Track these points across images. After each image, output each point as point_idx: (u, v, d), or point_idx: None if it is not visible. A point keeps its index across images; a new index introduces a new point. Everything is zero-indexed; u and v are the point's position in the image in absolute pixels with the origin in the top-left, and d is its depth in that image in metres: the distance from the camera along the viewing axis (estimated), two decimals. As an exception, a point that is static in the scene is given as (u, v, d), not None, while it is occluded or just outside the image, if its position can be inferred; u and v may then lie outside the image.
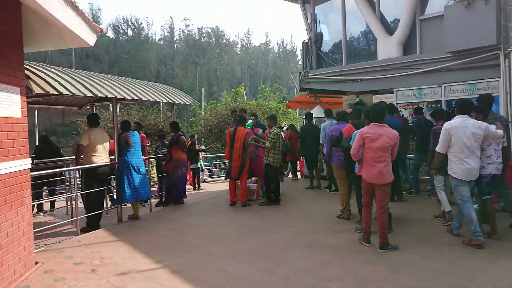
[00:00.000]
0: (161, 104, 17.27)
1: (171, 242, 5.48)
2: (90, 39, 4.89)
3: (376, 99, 10.16)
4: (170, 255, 4.88)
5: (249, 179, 8.33)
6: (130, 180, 6.74)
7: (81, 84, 5.76)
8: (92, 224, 6.50)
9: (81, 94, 5.49)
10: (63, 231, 6.66)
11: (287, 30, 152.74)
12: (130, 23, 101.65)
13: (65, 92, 5.25)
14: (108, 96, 6.02)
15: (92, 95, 5.69)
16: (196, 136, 13.47)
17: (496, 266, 4.23)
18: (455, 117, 5.21)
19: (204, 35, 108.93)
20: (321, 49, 12.13)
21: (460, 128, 4.98)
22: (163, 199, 8.40)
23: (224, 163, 15.09)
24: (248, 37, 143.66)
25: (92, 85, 5.97)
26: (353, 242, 5.19)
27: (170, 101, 7.73)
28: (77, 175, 6.65)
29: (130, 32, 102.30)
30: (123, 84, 6.87)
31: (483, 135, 4.95)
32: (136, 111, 16.68)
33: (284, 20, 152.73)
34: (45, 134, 9.79)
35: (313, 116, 11.06)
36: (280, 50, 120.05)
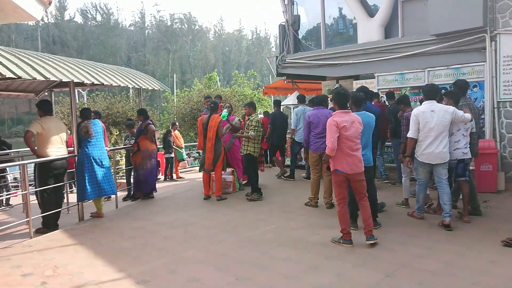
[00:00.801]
0: (130, 90, 16.35)
1: (138, 245, 4.87)
2: (36, 12, 4.17)
3: (356, 84, 9.72)
4: (135, 262, 4.28)
5: (224, 171, 7.76)
6: (91, 174, 6.04)
7: (30, 66, 5.00)
8: (48, 225, 5.80)
9: (28, 78, 4.73)
10: (15, 232, 5.91)
11: (261, 17, 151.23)
12: (99, 8, 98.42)
13: (8, 74, 4.50)
14: (63, 80, 5.28)
15: (42, 78, 4.95)
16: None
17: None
18: (423, 103, 5.34)
19: (176, 21, 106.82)
20: (299, 32, 11.58)
21: (427, 113, 5.09)
22: (131, 193, 7.73)
23: (199, 153, 14.37)
24: (221, 24, 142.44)
25: (43, 67, 5.21)
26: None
27: (136, 86, 7.02)
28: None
29: (99, 17, 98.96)
30: (82, 67, 6.12)
31: (450, 119, 5.06)
32: (103, 98, 15.68)
33: (258, 5, 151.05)
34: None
35: (291, 103, 10.59)
36: (254, 36, 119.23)
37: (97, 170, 6.09)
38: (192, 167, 13.91)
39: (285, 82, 11.86)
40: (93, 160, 6.06)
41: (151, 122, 7.54)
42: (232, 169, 8.05)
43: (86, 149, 6.07)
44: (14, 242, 5.19)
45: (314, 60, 10.72)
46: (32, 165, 6.01)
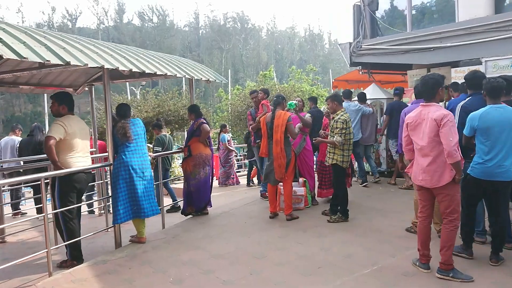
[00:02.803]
0: (183, 86, 15.21)
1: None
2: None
3: (456, 72, 7.76)
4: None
5: (297, 182, 6.18)
6: (130, 189, 4.69)
7: (45, 46, 3.71)
8: (77, 256, 4.53)
9: (38, 60, 3.42)
10: (34, 262, 4.71)
11: (314, 13, 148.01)
12: (155, 10, 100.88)
13: (8, 54, 3.20)
14: (89, 65, 3.94)
15: (58, 61, 3.62)
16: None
17: None
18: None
19: (229, 20, 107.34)
20: (377, 13, 9.72)
21: None
22: (182, 208, 6.31)
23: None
24: (274, 21, 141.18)
25: (64, 48, 3.91)
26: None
27: (187, 76, 5.59)
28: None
29: (155, 19, 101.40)
30: (118, 51, 4.79)
31: None
32: (154, 95, 14.62)
33: (312, 2, 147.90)
34: (38, 124, 7.86)
35: (368, 97, 8.77)
36: (307, 33, 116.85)
37: (137, 183, 4.73)
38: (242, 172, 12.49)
39: (360, 72, 10.02)
40: (132, 170, 4.70)
41: (205, 121, 6.10)
42: (304, 179, 6.44)
43: (124, 156, 4.72)
44: (27, 282, 3.94)
45: (398, 45, 8.84)
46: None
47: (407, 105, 8.23)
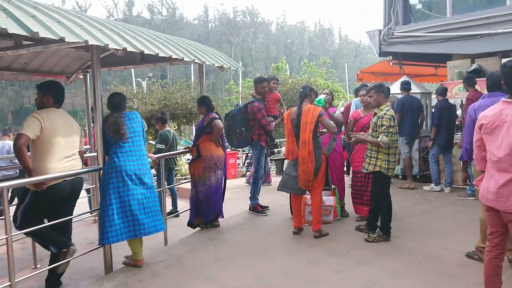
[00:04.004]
0: (191, 77, 14.19)
1: None
2: None
3: (508, 63, 6.67)
4: None
5: (330, 191, 5.18)
6: (123, 200, 3.71)
7: (5, 11, 2.72)
8: (57, 283, 3.58)
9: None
10: None
11: (324, 8, 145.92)
12: (164, 3, 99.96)
13: None
14: (67, 40, 2.94)
15: (14, 30, 2.64)
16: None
17: None
18: None
19: (239, 13, 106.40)
20: (411, -4, 8.64)
21: None
22: (189, 219, 5.31)
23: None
24: (284, 16, 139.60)
25: (34, 16, 2.92)
26: None
27: (196, 60, 4.56)
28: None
29: (164, 12, 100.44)
30: (110, 26, 3.78)
31: None
32: (160, 87, 13.61)
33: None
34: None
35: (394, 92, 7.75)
36: (317, 28, 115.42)
37: (132, 193, 3.74)
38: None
39: (391, 63, 8.93)
40: (126, 177, 3.71)
41: (217, 116, 5.09)
42: (333, 186, 5.42)
43: (116, 159, 3.73)
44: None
45: (436, 32, 7.74)
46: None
47: (419, 101, 7.24)
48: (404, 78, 8.69)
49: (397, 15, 8.39)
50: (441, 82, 7.63)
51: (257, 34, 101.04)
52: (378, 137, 4.42)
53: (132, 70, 34.35)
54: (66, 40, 2.92)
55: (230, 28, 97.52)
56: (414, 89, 8.04)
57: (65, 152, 3.56)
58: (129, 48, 3.57)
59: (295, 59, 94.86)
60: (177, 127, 12.70)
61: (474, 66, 7.18)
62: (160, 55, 3.90)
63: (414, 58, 9.13)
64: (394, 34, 8.27)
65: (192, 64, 5.44)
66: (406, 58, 9.03)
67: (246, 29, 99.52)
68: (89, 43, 3.14)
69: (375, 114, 4.53)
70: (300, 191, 4.79)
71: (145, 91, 14.72)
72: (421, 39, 7.93)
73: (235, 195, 7.64)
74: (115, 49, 3.39)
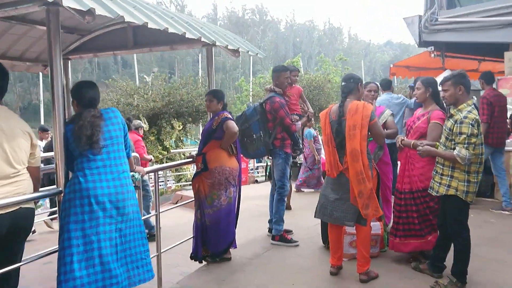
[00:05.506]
0: (199, 71, 12.92)
1: None
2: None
3: None
4: None
5: (377, 216, 3.89)
6: (89, 240, 2.48)
7: None
8: None
9: None
10: None
11: (333, 7, 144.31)
12: (173, 0, 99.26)
13: None
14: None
15: None
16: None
17: None
18: None
19: (248, 11, 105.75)
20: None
21: None
22: (192, 251, 4.06)
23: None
24: (293, 14, 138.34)
25: None
26: None
27: (204, 38, 3.29)
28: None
29: (173, 9, 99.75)
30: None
31: None
32: (164, 81, 12.36)
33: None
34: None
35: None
36: (326, 27, 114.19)
37: (104, 229, 2.51)
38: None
39: (432, 55, 7.62)
40: (95, 205, 2.48)
41: (230, 116, 3.85)
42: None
43: (82, 179, 2.50)
44: None
45: (491, 17, 6.44)
46: None
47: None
48: (447, 71, 7.41)
49: (440, -1, 7.09)
50: (498, 78, 6.33)
51: (266, 32, 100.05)
52: (454, 148, 3.15)
53: (136, 65, 33.31)
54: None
55: (239, 26, 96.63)
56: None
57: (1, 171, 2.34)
58: (103, 13, 2.34)
59: (304, 57, 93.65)
60: (182, 126, 11.47)
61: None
62: (150, 26, 2.66)
63: (458, 50, 7.83)
64: (439, 20, 6.96)
65: (200, 54, 4.26)
66: (450, 50, 7.72)
67: (255, 27, 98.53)
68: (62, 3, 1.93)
69: (451, 116, 3.26)
70: (342, 220, 3.52)
71: (145, 86, 13.53)
72: (472, 25, 6.62)
73: (251, 210, 6.34)
74: (74, 9, 2.16)
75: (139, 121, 6.87)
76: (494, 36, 6.49)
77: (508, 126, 6.42)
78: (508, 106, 9.55)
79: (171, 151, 10.98)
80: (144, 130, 8.05)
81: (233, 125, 3.79)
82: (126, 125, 2.81)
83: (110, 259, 2.51)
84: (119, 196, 2.58)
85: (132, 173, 2.94)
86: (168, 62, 65.75)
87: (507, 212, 5.54)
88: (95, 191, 2.50)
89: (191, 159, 4.14)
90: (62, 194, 2.57)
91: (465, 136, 3.06)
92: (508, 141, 6.57)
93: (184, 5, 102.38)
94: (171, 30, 2.81)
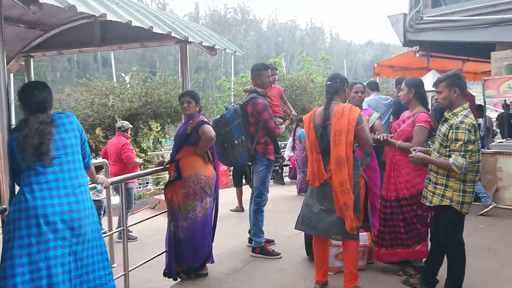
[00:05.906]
0: (179, 70, 12.55)
1: None
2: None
3: None
4: None
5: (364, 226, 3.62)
6: (37, 267, 2.12)
7: None
8: None
9: None
10: None
11: (315, 7, 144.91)
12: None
13: None
14: None
15: None
16: None
17: None
18: None
19: (230, 10, 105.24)
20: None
21: None
22: (165, 267, 3.73)
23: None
24: (275, 13, 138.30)
25: None
26: None
27: (174, 34, 2.95)
28: None
29: (154, 7, 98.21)
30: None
31: None
32: (141, 81, 11.92)
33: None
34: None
35: (430, 89, 6.26)
36: (308, 27, 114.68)
37: (55, 253, 2.17)
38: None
39: (417, 55, 7.45)
40: (44, 226, 2.13)
41: (206, 120, 3.54)
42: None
43: (28, 195, 2.15)
44: None
45: (477, 15, 6.31)
46: None
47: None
48: (432, 72, 7.27)
49: (426, -4, 6.92)
50: (484, 79, 6.18)
51: (248, 31, 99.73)
52: (449, 155, 2.91)
53: (113, 64, 32.50)
54: None
55: (221, 25, 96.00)
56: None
57: None
58: (51, 2, 2.00)
59: (287, 57, 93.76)
60: (160, 127, 11.08)
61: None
62: (109, 18, 2.32)
63: (443, 50, 7.69)
64: (424, 18, 6.80)
65: (179, 53, 3.87)
66: (434, 49, 7.57)
67: (237, 26, 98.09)
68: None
69: (446, 120, 3.01)
70: (328, 233, 3.25)
71: (127, 86, 13.08)
72: (458, 24, 6.48)
73: (229, 217, 6.04)
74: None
75: (126, 122, 6.38)
76: (480, 35, 6.36)
77: (494, 128, 6.31)
78: (492, 107, 9.47)
79: (149, 153, 10.59)
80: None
81: (210, 130, 3.47)
82: (83, 131, 2.46)
83: (63, 287, 2.17)
84: (73, 215, 2.24)
85: (93, 185, 2.60)
86: (149, 61, 64.61)
87: (490, 207, 5.43)
88: (45, 210, 2.15)
89: (161, 167, 3.79)
90: (6, 213, 2.21)
91: (461, 143, 2.82)
92: (493, 143, 6.46)
93: (165, 3, 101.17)
94: (135, 23, 2.48)
